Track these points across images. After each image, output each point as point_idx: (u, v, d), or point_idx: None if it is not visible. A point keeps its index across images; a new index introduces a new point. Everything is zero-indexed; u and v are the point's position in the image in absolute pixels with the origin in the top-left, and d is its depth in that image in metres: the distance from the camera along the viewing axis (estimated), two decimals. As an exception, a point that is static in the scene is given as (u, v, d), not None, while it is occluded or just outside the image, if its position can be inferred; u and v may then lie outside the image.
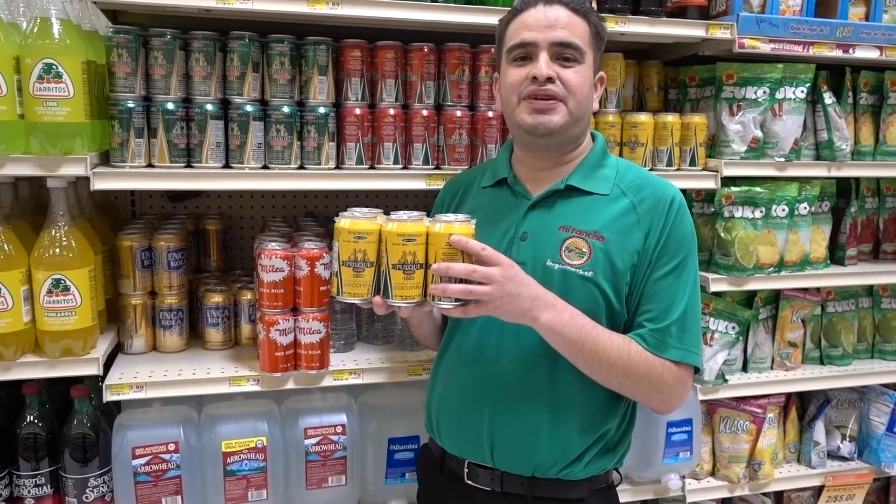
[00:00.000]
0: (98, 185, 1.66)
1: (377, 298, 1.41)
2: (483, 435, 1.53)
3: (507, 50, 1.52)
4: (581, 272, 1.46)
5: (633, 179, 1.54)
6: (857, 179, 2.56)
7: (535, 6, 1.48)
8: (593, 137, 1.62)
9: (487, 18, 1.87)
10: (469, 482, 1.58)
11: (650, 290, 1.48)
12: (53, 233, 1.68)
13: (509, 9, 1.91)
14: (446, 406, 1.62)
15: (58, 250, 1.67)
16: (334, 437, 1.93)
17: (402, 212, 1.42)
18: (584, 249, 1.47)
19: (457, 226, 1.36)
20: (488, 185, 1.65)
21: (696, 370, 1.53)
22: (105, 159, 1.79)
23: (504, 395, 1.51)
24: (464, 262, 1.35)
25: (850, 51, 2.22)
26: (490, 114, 1.97)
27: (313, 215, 2.41)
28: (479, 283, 1.33)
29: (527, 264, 1.48)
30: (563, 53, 1.45)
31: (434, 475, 1.68)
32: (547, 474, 1.51)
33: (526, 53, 1.48)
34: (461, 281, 1.34)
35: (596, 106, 1.57)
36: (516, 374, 1.51)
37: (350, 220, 1.40)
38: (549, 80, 1.44)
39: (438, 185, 1.90)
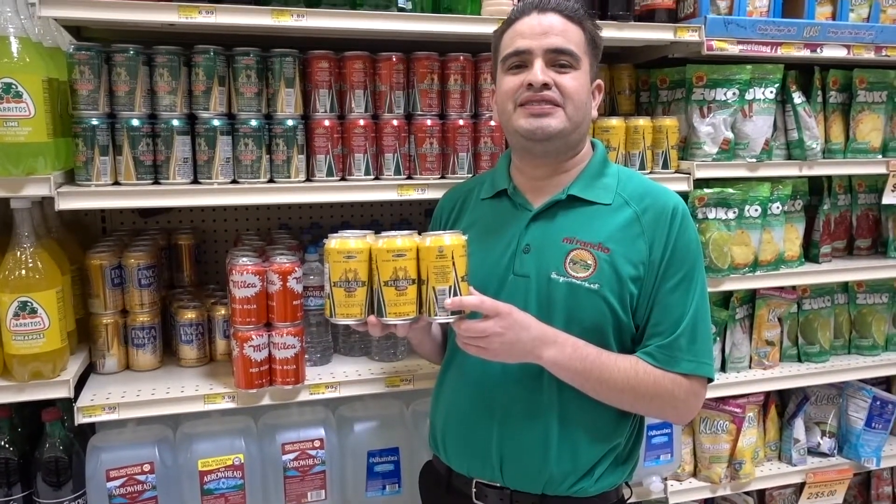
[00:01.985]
0: (63, 205, 1.63)
1: (371, 318, 1.40)
2: (492, 452, 1.51)
3: (503, 59, 1.51)
4: (587, 285, 1.44)
5: (636, 188, 1.53)
6: (829, 177, 2.57)
7: (529, 14, 1.48)
8: (593, 146, 1.60)
9: (455, 27, 1.86)
10: (478, 502, 1.55)
11: (658, 304, 1.46)
12: (19, 254, 1.65)
13: (478, 16, 1.92)
14: (452, 423, 1.59)
15: (23, 272, 1.64)
16: (312, 452, 1.91)
17: (393, 231, 1.42)
18: (589, 262, 1.45)
19: (447, 238, 1.36)
20: (487, 196, 1.63)
21: (709, 380, 1.51)
22: (70, 178, 1.76)
23: (512, 411, 1.49)
24: (456, 274, 1.35)
25: (818, 50, 2.23)
26: (461, 122, 1.97)
27: (287, 227, 2.39)
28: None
29: (531, 277, 1.47)
30: (559, 60, 1.45)
31: (440, 494, 1.65)
32: (557, 491, 1.49)
33: (521, 61, 1.47)
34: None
35: (595, 114, 1.55)
36: (523, 390, 1.49)
37: (339, 241, 1.40)
38: (545, 86, 1.43)
39: (410, 195, 1.90)
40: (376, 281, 1.38)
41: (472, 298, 1.36)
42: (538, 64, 1.43)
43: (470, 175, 1.97)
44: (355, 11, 1.79)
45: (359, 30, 1.81)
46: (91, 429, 1.88)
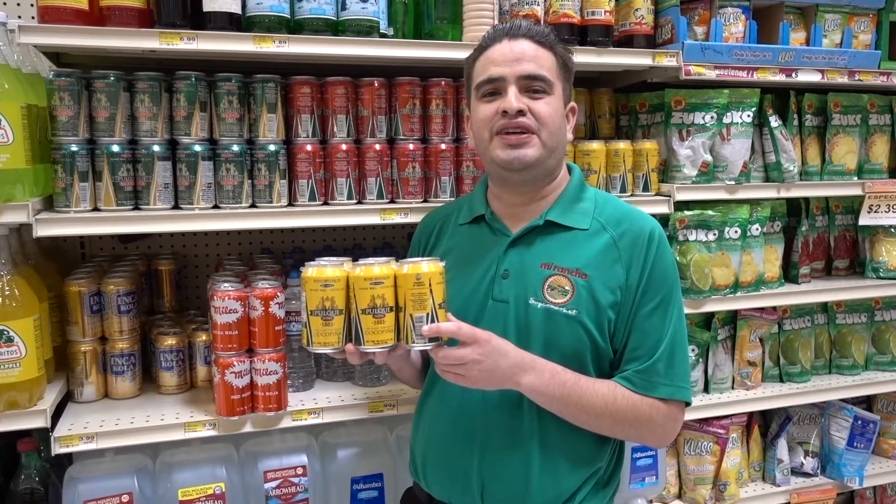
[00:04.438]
0: (41, 231, 1.61)
1: (349, 346, 1.39)
2: (472, 478, 1.50)
3: (476, 86, 1.51)
4: (565, 311, 1.44)
5: (612, 212, 1.53)
6: (806, 199, 2.61)
7: (500, 41, 1.48)
8: (570, 170, 1.61)
9: (437, 53, 1.88)
10: None
11: (635, 329, 1.47)
12: (-5, 282, 1.63)
13: (458, 42, 1.94)
14: (432, 450, 1.58)
15: (0, 300, 1.62)
16: (295, 479, 1.88)
17: (370, 258, 1.41)
18: (566, 287, 1.45)
19: (424, 266, 1.35)
20: (465, 221, 1.63)
21: (687, 403, 1.51)
22: (49, 204, 1.74)
23: (492, 438, 1.49)
24: (434, 301, 1.34)
25: (793, 75, 2.28)
26: (443, 146, 1.98)
27: (269, 251, 2.38)
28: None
29: (509, 303, 1.47)
30: (532, 86, 1.45)
31: None
32: None
33: (495, 88, 1.47)
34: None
35: (570, 136, 1.56)
36: (503, 417, 1.48)
37: (316, 269, 1.39)
38: (520, 112, 1.43)
39: (393, 218, 1.90)
40: (354, 309, 1.37)
41: (449, 325, 1.35)
42: (512, 91, 1.44)
43: (452, 198, 1.98)
44: (338, 38, 1.80)
45: (341, 56, 1.82)
46: (68, 459, 1.84)
